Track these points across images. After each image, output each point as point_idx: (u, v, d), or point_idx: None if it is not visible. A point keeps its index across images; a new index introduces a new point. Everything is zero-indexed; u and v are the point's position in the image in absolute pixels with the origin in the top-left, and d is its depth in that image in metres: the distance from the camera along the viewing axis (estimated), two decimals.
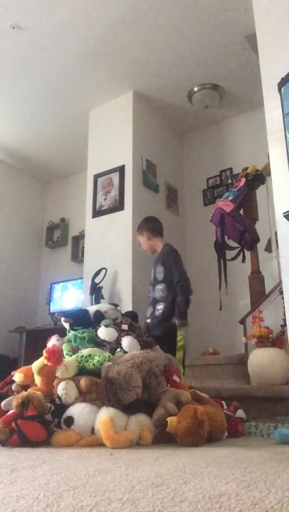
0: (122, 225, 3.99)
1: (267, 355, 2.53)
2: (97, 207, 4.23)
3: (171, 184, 4.67)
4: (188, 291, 2.96)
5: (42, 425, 1.63)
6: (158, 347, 2.34)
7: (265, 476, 1.01)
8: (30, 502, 0.78)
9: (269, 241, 3.17)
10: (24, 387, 2.05)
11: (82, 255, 4.73)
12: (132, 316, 2.60)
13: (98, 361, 1.92)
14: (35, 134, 4.97)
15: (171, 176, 4.70)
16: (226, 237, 3.06)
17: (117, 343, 2.15)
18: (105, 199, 4.19)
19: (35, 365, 1.96)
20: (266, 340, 2.59)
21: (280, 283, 2.60)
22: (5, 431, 1.63)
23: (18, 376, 2.09)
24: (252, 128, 4.45)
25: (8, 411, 1.80)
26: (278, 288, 2.68)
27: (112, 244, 3.99)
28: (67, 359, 1.95)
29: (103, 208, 4.19)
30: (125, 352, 2.07)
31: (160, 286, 3.03)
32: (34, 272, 5.65)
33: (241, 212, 3.13)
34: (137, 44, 3.73)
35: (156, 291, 3.06)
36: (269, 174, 2.68)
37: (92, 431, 1.68)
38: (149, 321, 3.01)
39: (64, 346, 2.10)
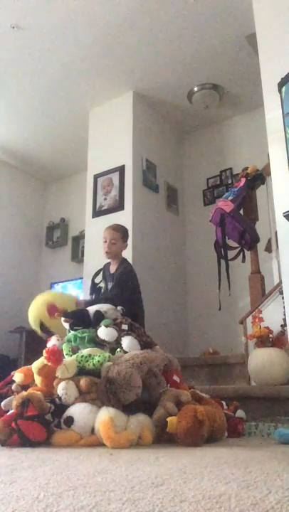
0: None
1: (267, 355, 2.52)
2: (97, 207, 4.24)
3: (171, 184, 4.67)
4: None
5: (42, 425, 1.63)
6: (158, 347, 2.34)
7: (265, 476, 1.01)
8: (30, 502, 0.78)
9: (269, 241, 3.16)
10: (24, 387, 2.05)
11: (82, 255, 4.73)
12: (131, 315, 2.59)
13: (98, 361, 1.92)
14: (35, 134, 4.97)
15: (171, 176, 4.70)
16: (226, 237, 3.06)
17: (117, 343, 2.15)
18: (105, 199, 4.20)
19: (35, 365, 1.96)
20: (266, 340, 2.59)
21: (280, 283, 2.60)
22: (5, 431, 1.63)
23: (18, 376, 2.09)
24: (252, 128, 4.46)
25: (8, 411, 1.80)
26: (278, 288, 2.67)
27: None
28: (67, 359, 1.95)
29: (103, 208, 4.19)
30: (125, 352, 2.07)
31: None
32: (34, 272, 5.65)
33: (241, 212, 3.13)
34: (136, 44, 3.73)
35: None
36: (269, 174, 2.68)
37: (92, 431, 1.68)
38: None
39: (64, 346, 2.10)
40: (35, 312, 2.60)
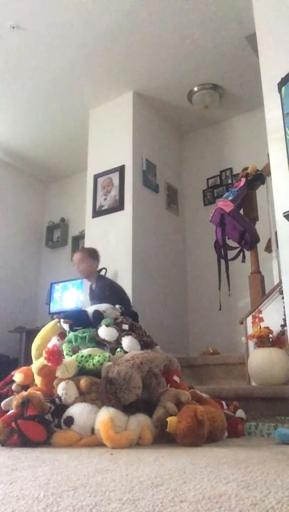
0: (122, 225, 3.99)
1: (267, 355, 2.53)
2: (97, 207, 4.23)
3: (171, 184, 4.67)
4: None
5: (42, 425, 1.63)
6: (158, 347, 2.34)
7: (265, 476, 1.01)
8: (30, 502, 0.78)
9: (269, 241, 3.16)
10: (24, 387, 2.05)
11: None
12: (132, 315, 2.60)
13: (98, 361, 1.92)
14: (35, 134, 4.97)
15: (171, 176, 4.70)
16: (226, 237, 3.05)
17: (117, 342, 2.15)
18: (105, 199, 4.19)
19: (35, 365, 1.96)
20: (266, 340, 2.59)
21: (280, 283, 2.60)
22: (5, 431, 1.63)
23: (18, 376, 2.09)
24: (252, 128, 4.45)
25: (8, 411, 1.80)
26: (278, 288, 2.67)
27: (112, 244, 3.99)
28: (67, 359, 1.95)
29: (103, 208, 4.19)
30: (125, 352, 2.07)
31: None
32: (34, 272, 5.64)
33: (241, 212, 3.13)
34: (137, 44, 3.73)
35: None
36: (269, 174, 2.68)
37: (92, 431, 1.68)
38: None
39: (64, 346, 2.10)
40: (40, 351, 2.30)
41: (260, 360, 2.54)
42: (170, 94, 4.36)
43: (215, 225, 3.06)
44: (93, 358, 1.94)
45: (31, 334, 4.56)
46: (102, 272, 3.83)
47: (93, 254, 3.41)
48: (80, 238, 5.24)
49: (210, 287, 3.95)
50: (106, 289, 3.22)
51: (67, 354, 2.04)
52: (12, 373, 2.16)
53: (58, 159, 5.49)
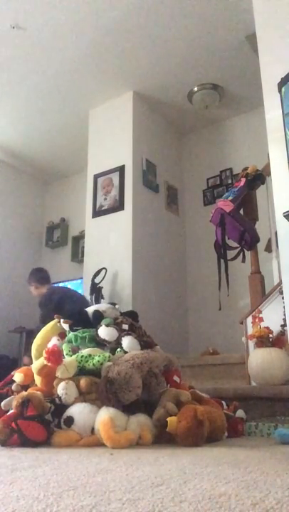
0: (122, 225, 3.99)
1: (267, 355, 2.52)
2: (97, 207, 4.24)
3: (171, 184, 4.67)
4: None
5: (42, 425, 1.63)
6: (158, 347, 2.34)
7: (265, 476, 1.01)
8: (30, 502, 0.78)
9: (269, 241, 3.16)
10: (24, 387, 2.05)
11: (82, 255, 4.73)
12: (132, 315, 2.59)
13: (98, 361, 1.92)
14: (35, 134, 4.97)
15: (171, 176, 4.70)
16: (226, 237, 3.05)
17: (117, 342, 2.15)
18: (105, 199, 4.20)
19: (35, 365, 1.96)
20: (266, 340, 2.59)
21: (280, 283, 2.59)
22: (5, 431, 1.63)
23: (18, 376, 2.09)
24: (252, 128, 4.46)
25: (8, 411, 1.80)
26: (278, 288, 2.67)
27: (112, 244, 3.99)
28: (67, 359, 1.95)
29: (103, 208, 4.19)
30: (125, 352, 2.07)
31: None
32: None
33: (241, 212, 3.12)
34: (137, 44, 3.73)
35: None
36: (269, 174, 2.67)
37: (92, 431, 1.68)
38: None
39: (64, 346, 2.10)
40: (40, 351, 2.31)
41: (260, 360, 2.54)
42: (170, 94, 4.36)
43: (215, 225, 3.06)
44: (93, 358, 1.93)
45: (31, 334, 4.57)
46: (102, 273, 3.83)
47: (40, 280, 3.67)
48: (80, 238, 5.25)
49: (210, 287, 3.95)
50: (43, 299, 3.44)
51: (67, 354, 2.04)
52: (12, 373, 2.16)
53: (58, 159, 5.49)
